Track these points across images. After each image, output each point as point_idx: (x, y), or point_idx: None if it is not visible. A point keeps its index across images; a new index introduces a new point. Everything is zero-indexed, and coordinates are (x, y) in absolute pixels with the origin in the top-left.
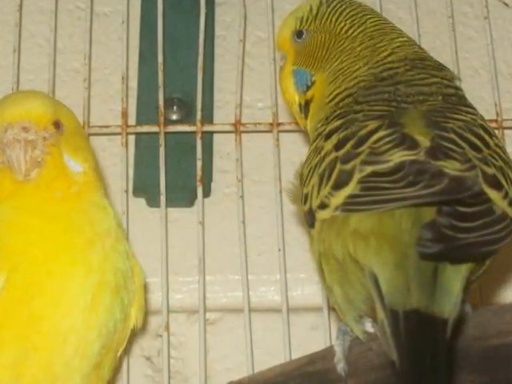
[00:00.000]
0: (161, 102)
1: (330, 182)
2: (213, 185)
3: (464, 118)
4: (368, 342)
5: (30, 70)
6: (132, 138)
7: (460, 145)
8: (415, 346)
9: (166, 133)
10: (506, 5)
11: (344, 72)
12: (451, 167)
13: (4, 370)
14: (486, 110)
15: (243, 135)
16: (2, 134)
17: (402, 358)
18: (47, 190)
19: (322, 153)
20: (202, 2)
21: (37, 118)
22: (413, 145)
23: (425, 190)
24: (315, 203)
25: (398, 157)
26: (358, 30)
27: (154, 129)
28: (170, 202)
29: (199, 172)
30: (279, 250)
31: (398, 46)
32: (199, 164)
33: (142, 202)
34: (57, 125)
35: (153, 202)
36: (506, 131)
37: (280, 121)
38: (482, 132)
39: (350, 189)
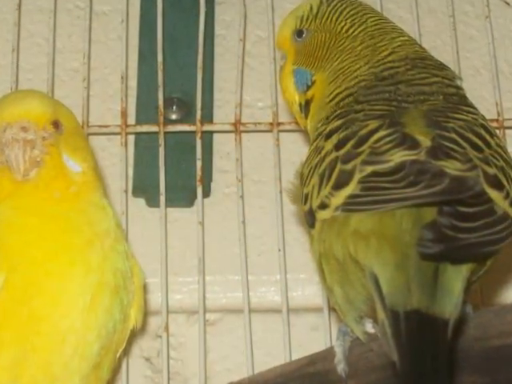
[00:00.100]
0: (160, 102)
1: (331, 182)
2: (213, 185)
3: (465, 117)
4: (368, 342)
5: (28, 69)
6: (131, 138)
7: (461, 145)
8: (416, 347)
9: (165, 132)
10: (507, 4)
11: (344, 71)
12: (452, 167)
13: (3, 371)
14: (487, 110)
15: (243, 135)
16: (0, 134)
17: (402, 358)
18: (46, 190)
19: (323, 153)
20: (202, 1)
21: (36, 118)
22: (413, 145)
23: (425, 190)
24: (315, 203)
25: (398, 157)
26: (359, 30)
27: (154, 128)
28: (170, 202)
29: (199, 172)
30: (279, 250)
31: (399, 46)
32: (199, 164)
33: (141, 202)
34: (56, 124)
35: (152, 202)
36: (507, 131)
37: (280, 120)
38: (483, 132)
39: (351, 189)
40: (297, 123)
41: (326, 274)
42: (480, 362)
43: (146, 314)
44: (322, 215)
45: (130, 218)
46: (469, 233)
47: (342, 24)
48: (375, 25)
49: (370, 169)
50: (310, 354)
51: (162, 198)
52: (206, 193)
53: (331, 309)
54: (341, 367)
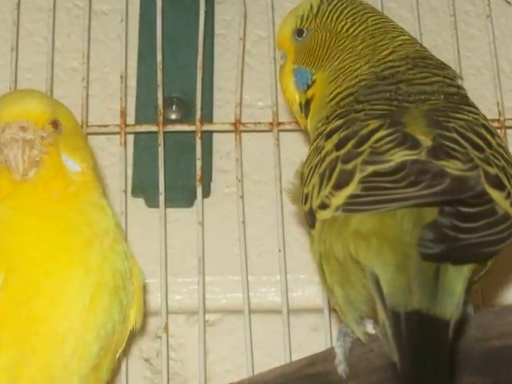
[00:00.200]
0: (160, 102)
1: (331, 182)
2: (212, 185)
3: (466, 117)
4: (369, 343)
5: (27, 68)
6: (131, 138)
7: (462, 144)
8: (417, 348)
9: (165, 132)
10: (509, 3)
11: (345, 71)
12: (453, 167)
13: (2, 372)
14: (488, 109)
15: (243, 135)
16: None
17: (403, 359)
18: (45, 190)
19: (323, 152)
20: (202, 1)
21: (35, 118)
22: (414, 144)
23: (426, 190)
24: (316, 203)
25: (399, 156)
26: (359, 29)
27: (153, 128)
28: (170, 202)
29: (199, 172)
30: (279, 250)
31: (400, 45)
32: (199, 164)
33: (140, 202)
34: (55, 124)
35: (152, 202)
36: (508, 131)
37: (280, 120)
38: (484, 131)
39: (351, 189)
40: (297, 123)
41: (327, 274)
42: (481, 362)
43: (145, 314)
44: (323, 215)
45: (130, 218)
46: (470, 233)
47: (343, 23)
48: (376, 24)
49: (370, 169)
50: (310, 355)
51: (162, 198)
52: (206, 193)
53: (331, 309)
54: (341, 368)
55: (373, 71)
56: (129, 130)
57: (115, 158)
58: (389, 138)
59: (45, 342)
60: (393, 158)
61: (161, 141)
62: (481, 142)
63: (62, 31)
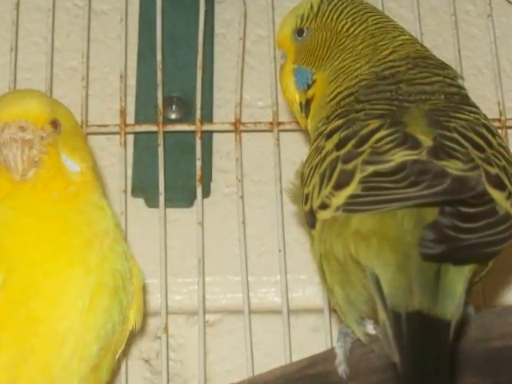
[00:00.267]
0: (160, 101)
1: (331, 182)
2: (212, 185)
3: (467, 117)
4: (369, 344)
5: (27, 68)
6: (131, 138)
7: (463, 144)
8: (417, 348)
9: (164, 132)
10: (510, 2)
11: (345, 71)
12: (454, 167)
13: (1, 372)
14: (489, 109)
15: (243, 134)
16: None
17: (403, 360)
18: (44, 190)
19: (323, 152)
20: (202, 0)
21: (34, 118)
22: (415, 144)
23: (427, 190)
24: (316, 203)
25: (399, 156)
26: (360, 28)
27: (153, 128)
28: (169, 203)
29: (199, 172)
30: (279, 250)
31: (400, 45)
32: (198, 164)
33: (140, 202)
34: (54, 124)
35: (152, 202)
36: (509, 130)
37: (280, 120)
38: (485, 131)
39: (352, 189)
40: (297, 123)
41: (327, 274)
42: (482, 363)
43: (145, 315)
44: (323, 215)
45: (129, 218)
46: (471, 233)
47: (343, 23)
48: (376, 24)
49: (371, 169)
50: (310, 356)
51: (162, 198)
52: (206, 193)
53: (332, 310)
54: (341, 369)
55: (373, 71)
56: (128, 129)
57: (115, 157)
58: (389, 138)
59: (44, 342)
60: (393, 158)
61: (161, 141)
62: (482, 142)
63: (62, 31)
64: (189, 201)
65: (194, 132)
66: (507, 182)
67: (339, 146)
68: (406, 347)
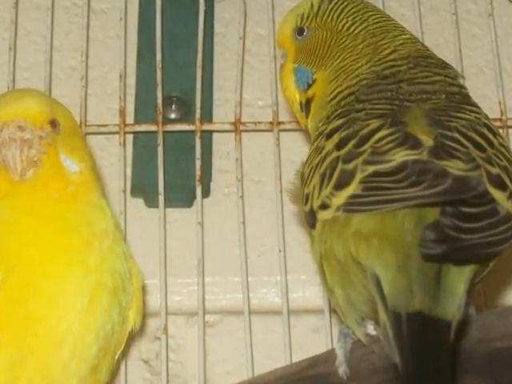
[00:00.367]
0: (159, 101)
1: (332, 182)
2: (212, 185)
3: (468, 116)
4: (370, 344)
5: (25, 67)
6: (130, 137)
7: (464, 144)
8: (418, 349)
9: (164, 132)
10: (511, 1)
11: (346, 70)
12: (455, 167)
13: (0, 373)
14: (490, 109)
15: (243, 134)
16: None
17: (404, 360)
18: (43, 190)
19: (323, 152)
20: None
21: (33, 117)
22: (416, 144)
23: (428, 190)
24: (316, 203)
25: (400, 156)
26: (360, 28)
27: (153, 128)
28: (169, 203)
29: (198, 172)
30: (280, 251)
31: (401, 44)
32: (198, 164)
33: (140, 202)
34: (53, 124)
35: (151, 202)
36: (510, 130)
37: (280, 120)
38: (486, 131)
39: (352, 189)
40: (297, 122)
41: (327, 275)
42: (483, 364)
43: (144, 315)
44: (323, 215)
45: (129, 218)
46: (472, 233)
47: (344, 22)
48: (377, 23)
49: (371, 169)
50: (310, 357)
51: (161, 198)
52: (206, 193)
53: (332, 310)
54: (342, 369)
55: (374, 70)
56: (128, 129)
57: (114, 157)
58: (390, 138)
59: (43, 343)
60: (394, 158)
61: (160, 140)
62: (483, 142)
63: (61, 30)
64: (188, 201)
65: (193, 132)
66: (508, 182)
67: (340, 145)
68: (406, 348)
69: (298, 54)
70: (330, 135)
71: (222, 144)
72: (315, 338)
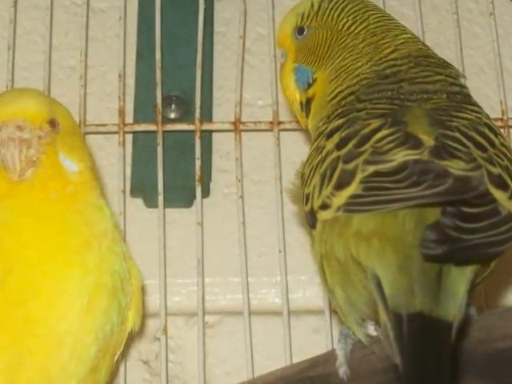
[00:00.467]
0: (159, 100)
1: (332, 182)
2: (212, 185)
3: (469, 116)
4: (370, 345)
5: (24, 67)
6: (129, 137)
7: (465, 144)
8: (419, 350)
9: (164, 131)
10: None
11: (346, 69)
12: (456, 167)
13: None
14: (491, 108)
15: (243, 134)
16: None
17: (405, 361)
18: (42, 190)
19: (324, 152)
20: None
21: (32, 117)
22: (416, 144)
23: (429, 190)
24: (317, 203)
25: (401, 156)
26: (361, 27)
27: (152, 127)
28: (168, 203)
29: (198, 172)
30: (280, 251)
31: (402, 43)
32: (198, 163)
33: (139, 202)
34: (52, 123)
35: (150, 202)
36: (511, 130)
37: (281, 119)
38: (487, 131)
39: (353, 189)
40: (297, 122)
41: (328, 275)
42: (484, 364)
43: (144, 316)
44: (324, 216)
45: (128, 218)
46: (473, 234)
47: (344, 21)
48: (377, 22)
49: (372, 168)
50: (311, 357)
51: (161, 198)
52: (206, 193)
53: (333, 311)
54: (342, 370)
55: (374, 70)
56: (127, 129)
57: (113, 157)
58: (390, 138)
59: (42, 343)
60: (394, 158)
61: (160, 140)
62: (484, 142)
63: (60, 29)
64: (188, 201)
65: (193, 131)
66: (510, 182)
67: (340, 145)
68: (407, 349)
69: (299, 54)
70: (330, 135)
71: (222, 144)
72: (315, 339)
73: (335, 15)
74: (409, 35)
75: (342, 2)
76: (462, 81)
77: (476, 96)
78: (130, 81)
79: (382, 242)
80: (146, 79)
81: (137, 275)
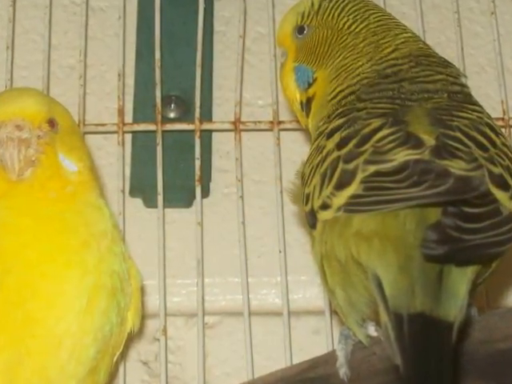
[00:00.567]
0: (158, 100)
1: (332, 182)
2: (212, 185)
3: (470, 116)
4: (371, 346)
5: (23, 66)
6: (129, 137)
7: (466, 144)
8: (420, 351)
9: (163, 131)
10: None
11: (346, 69)
12: (457, 167)
13: None
14: (492, 108)
15: (243, 134)
16: None
17: (406, 362)
18: (41, 190)
19: (324, 152)
20: None
21: (31, 116)
22: (417, 143)
23: (430, 190)
24: (317, 203)
25: (402, 156)
26: (361, 26)
27: (152, 127)
28: (168, 203)
29: (198, 172)
30: (280, 251)
31: (402, 42)
32: (198, 163)
33: (138, 202)
34: (51, 123)
35: (150, 202)
36: None
37: (281, 119)
38: (488, 130)
39: (353, 189)
40: (298, 122)
41: (328, 275)
42: (485, 365)
43: (143, 316)
44: (324, 216)
45: (127, 218)
46: (474, 234)
47: (344, 20)
48: (378, 21)
49: (372, 168)
50: (311, 358)
51: (160, 198)
52: (205, 193)
53: (333, 312)
54: (343, 371)
55: (375, 69)
56: (127, 128)
57: (113, 157)
58: (391, 137)
59: (41, 344)
60: (395, 158)
61: (159, 140)
62: (485, 141)
63: (59, 28)
64: (188, 201)
65: (193, 131)
66: (511, 182)
67: (340, 145)
68: (408, 349)
69: (299, 53)
70: (330, 134)
71: (222, 143)
72: (316, 340)
73: (335, 14)
74: (409, 34)
75: (343, 1)
76: (463, 80)
77: (477, 95)
78: (130, 80)
79: (383, 242)
80: (146, 79)
81: (136, 275)
